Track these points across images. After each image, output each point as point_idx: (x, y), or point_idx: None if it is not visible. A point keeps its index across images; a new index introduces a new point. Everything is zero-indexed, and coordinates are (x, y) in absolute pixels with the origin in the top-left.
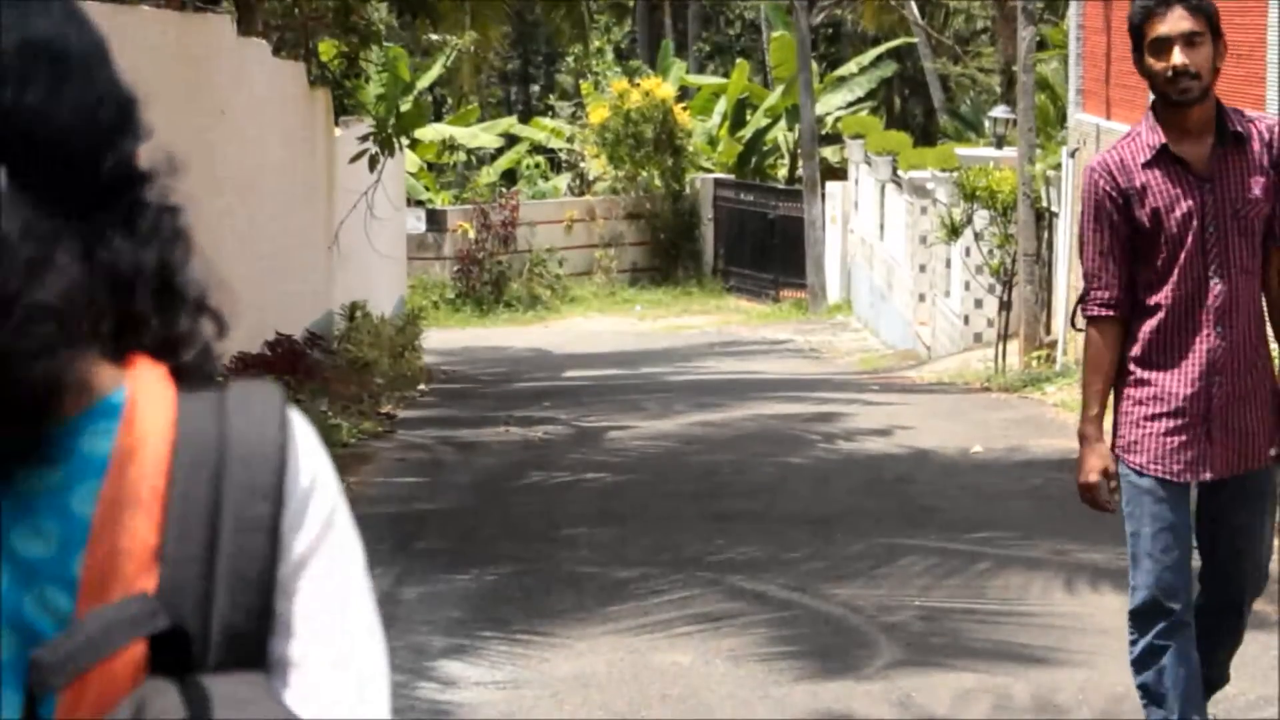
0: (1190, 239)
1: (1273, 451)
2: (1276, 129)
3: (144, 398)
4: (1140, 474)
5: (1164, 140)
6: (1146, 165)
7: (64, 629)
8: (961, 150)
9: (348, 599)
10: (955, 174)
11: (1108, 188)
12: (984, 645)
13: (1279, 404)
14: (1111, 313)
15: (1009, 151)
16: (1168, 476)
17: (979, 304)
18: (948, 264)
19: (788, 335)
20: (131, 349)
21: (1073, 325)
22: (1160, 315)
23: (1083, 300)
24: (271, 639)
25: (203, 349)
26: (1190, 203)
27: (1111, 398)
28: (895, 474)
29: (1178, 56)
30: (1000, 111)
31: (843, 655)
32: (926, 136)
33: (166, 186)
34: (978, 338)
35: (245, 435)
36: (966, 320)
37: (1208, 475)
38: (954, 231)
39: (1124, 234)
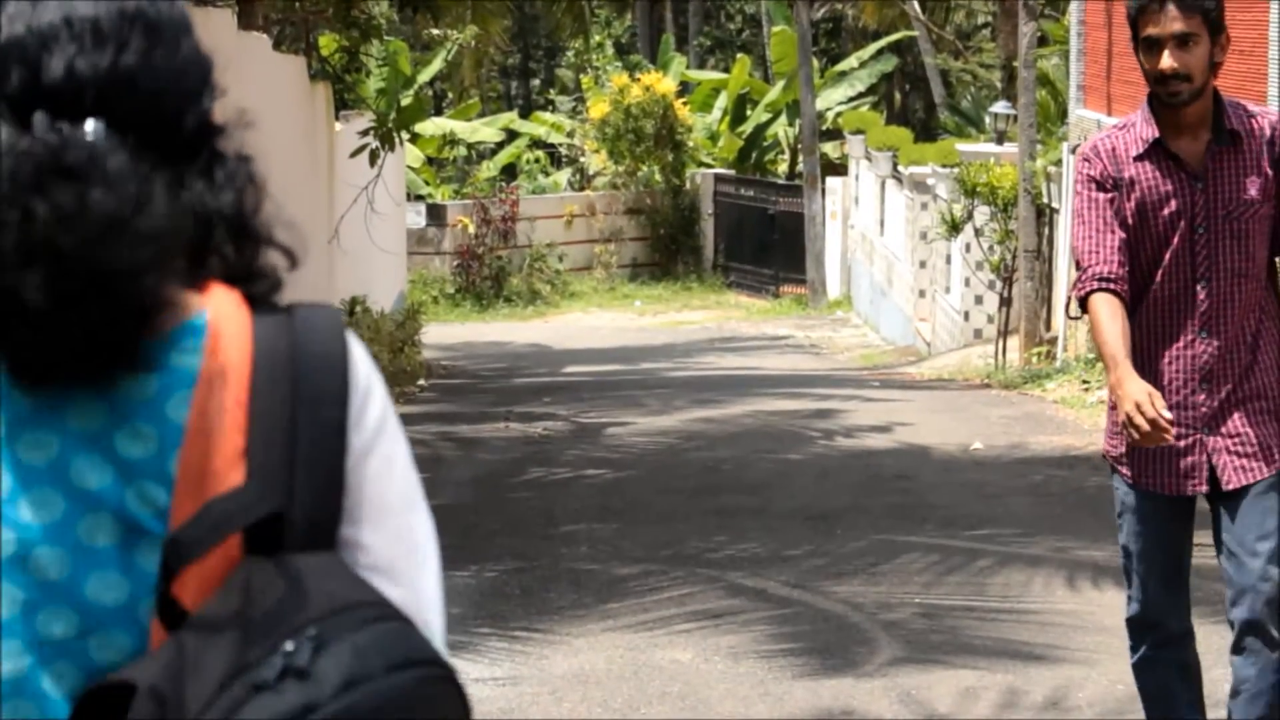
0: (1177, 239)
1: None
2: None
3: (224, 319)
4: (1130, 487)
5: (1158, 134)
6: (1138, 158)
7: (162, 519)
8: (962, 146)
9: (400, 486)
10: (956, 170)
11: (1096, 173)
12: (985, 643)
13: None
14: (1110, 286)
15: (1010, 147)
16: (1160, 489)
17: (979, 300)
18: (948, 260)
19: (788, 331)
20: (210, 278)
21: (1068, 314)
22: (1145, 317)
23: (1078, 284)
24: (340, 524)
25: (273, 279)
26: (1180, 201)
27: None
28: (895, 470)
29: (1166, 60)
30: (1001, 107)
31: (843, 652)
32: (927, 132)
33: (240, 139)
34: (978, 334)
35: (313, 351)
36: (967, 316)
37: (1203, 488)
38: (954, 227)
39: (1118, 213)
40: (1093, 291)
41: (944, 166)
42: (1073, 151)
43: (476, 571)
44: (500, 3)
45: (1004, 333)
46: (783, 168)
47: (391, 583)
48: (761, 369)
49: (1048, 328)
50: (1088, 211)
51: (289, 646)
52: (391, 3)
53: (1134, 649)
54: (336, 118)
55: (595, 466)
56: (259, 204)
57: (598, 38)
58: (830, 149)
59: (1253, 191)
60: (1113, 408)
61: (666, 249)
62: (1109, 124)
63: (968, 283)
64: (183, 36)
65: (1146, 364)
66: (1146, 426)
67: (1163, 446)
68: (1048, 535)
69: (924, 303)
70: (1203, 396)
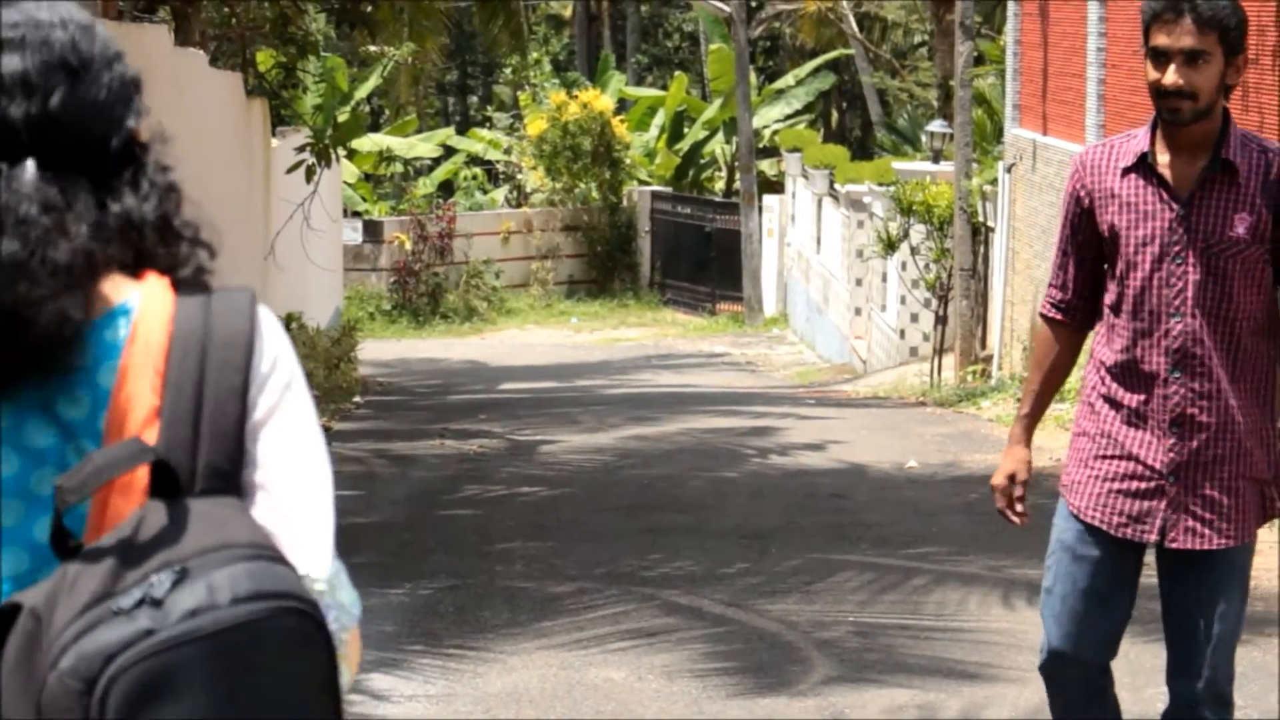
0: (1149, 264)
1: (1249, 532)
2: None
3: (150, 302)
4: (1072, 519)
5: (1147, 149)
6: (1125, 171)
7: None
8: (898, 164)
9: (301, 441)
10: (892, 188)
11: (1078, 185)
12: (918, 661)
13: (1272, 474)
14: (1060, 317)
15: (946, 166)
16: (1105, 527)
17: (915, 318)
18: (884, 278)
19: (724, 348)
20: (145, 269)
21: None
22: (1119, 346)
23: (1044, 299)
24: (244, 471)
25: (198, 268)
26: (1156, 224)
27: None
28: (831, 489)
29: (1171, 75)
30: (937, 126)
31: (777, 671)
32: (864, 150)
33: (160, 152)
34: (913, 352)
35: (223, 326)
36: (902, 334)
37: (1153, 536)
38: (890, 246)
39: (1087, 238)
40: (1046, 317)
41: (880, 185)
42: (1008, 170)
43: (410, 589)
44: (437, 20)
45: (939, 351)
46: (720, 185)
47: (286, 522)
48: (697, 386)
49: (983, 346)
50: (1060, 229)
51: (156, 578)
52: (329, 19)
53: (1050, 700)
54: (273, 134)
55: (530, 484)
56: (179, 207)
57: (535, 55)
58: (767, 166)
59: (1240, 229)
60: (1077, 434)
61: (603, 266)
62: (1044, 143)
63: (904, 301)
64: (105, 71)
65: (1121, 399)
66: (1000, 507)
67: (1120, 483)
68: (982, 554)
69: (860, 320)
70: (1172, 441)
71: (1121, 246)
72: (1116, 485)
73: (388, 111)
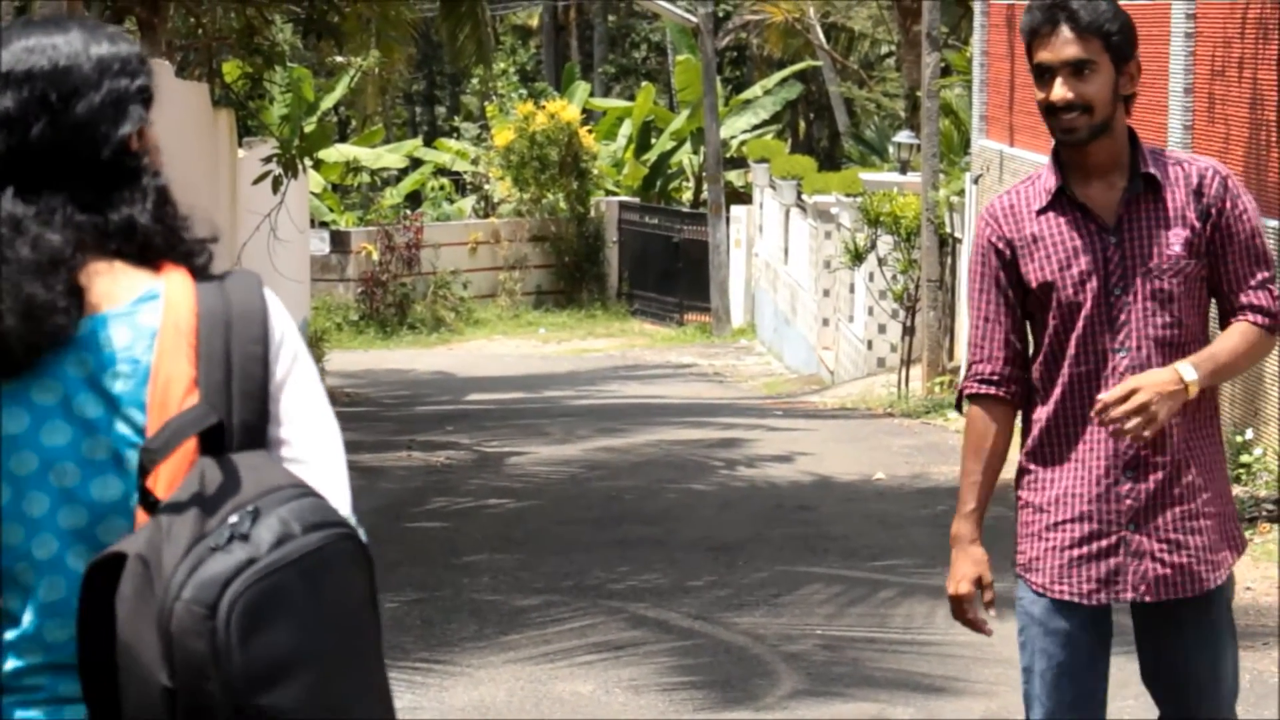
0: (1090, 302)
1: (1224, 571)
2: (1210, 173)
3: (174, 289)
4: (1038, 596)
5: (1061, 182)
6: (1041, 211)
7: (141, 434)
8: (866, 175)
9: (313, 400)
10: (859, 199)
11: (993, 238)
12: (885, 675)
13: (1231, 508)
14: (993, 390)
15: (913, 177)
16: (1075, 598)
17: (882, 329)
18: (851, 289)
19: (692, 359)
20: (162, 262)
21: (957, 409)
22: (1057, 397)
23: (964, 380)
24: (269, 428)
25: (203, 257)
26: (1090, 258)
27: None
28: (798, 501)
29: (1058, 90)
30: (904, 137)
31: (743, 685)
32: (831, 161)
33: (151, 158)
34: (881, 363)
35: (241, 304)
36: (870, 345)
37: (1129, 595)
38: (858, 257)
39: (1013, 296)
40: (974, 395)
41: (848, 195)
42: (975, 181)
43: None
44: (404, 30)
45: (907, 362)
46: (687, 196)
47: (308, 469)
48: (665, 398)
49: (950, 357)
50: (976, 293)
51: (234, 519)
52: (295, 29)
53: None
54: (239, 144)
55: (498, 496)
56: (173, 207)
57: (502, 65)
58: (735, 177)
59: (1176, 246)
60: (1022, 506)
61: (571, 277)
62: (1011, 154)
63: (871, 312)
64: (94, 92)
65: (1065, 452)
66: (961, 618)
67: (1080, 547)
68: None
69: (828, 331)
70: (1127, 487)
71: (1057, 292)
72: (1077, 552)
73: (354, 122)
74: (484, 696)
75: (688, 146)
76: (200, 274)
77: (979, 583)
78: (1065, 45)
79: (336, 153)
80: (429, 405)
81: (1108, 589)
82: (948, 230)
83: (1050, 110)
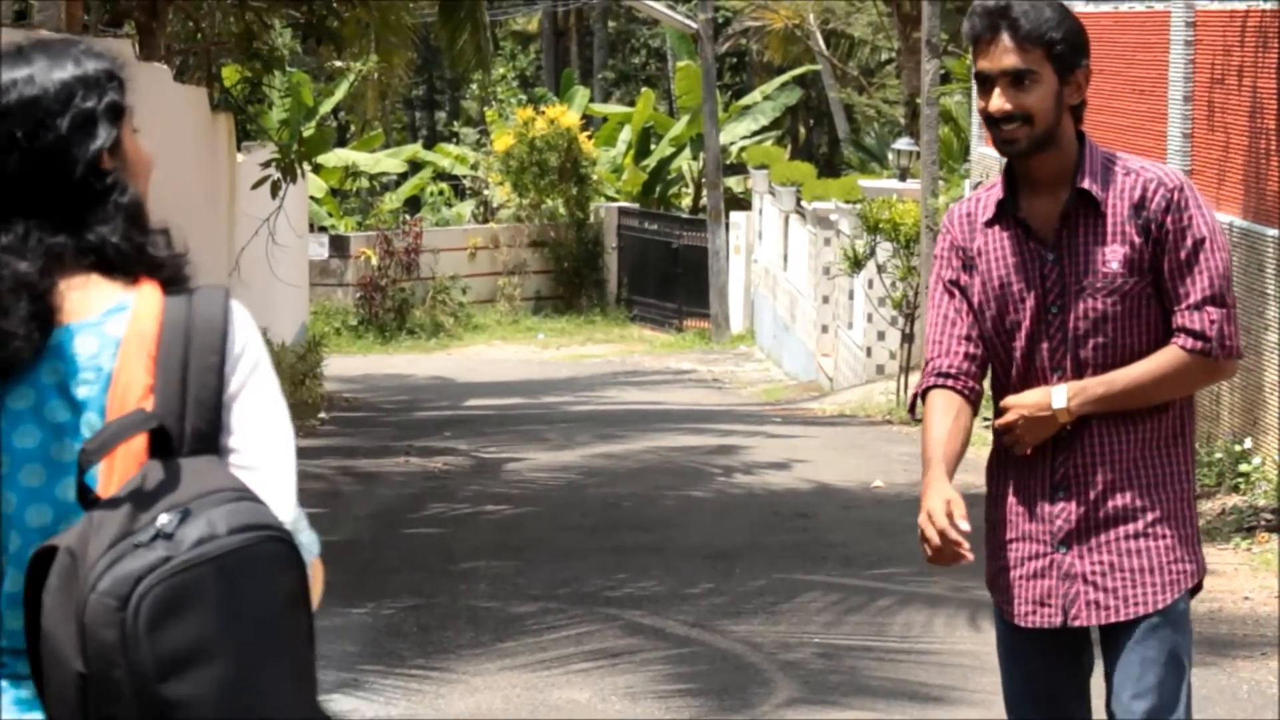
0: (1028, 320)
1: (1167, 596)
2: (1154, 185)
3: (142, 301)
4: (1002, 619)
5: (1008, 194)
6: (988, 224)
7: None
8: (865, 182)
9: (267, 411)
10: (859, 206)
11: (951, 241)
12: (882, 684)
13: (1186, 533)
14: (949, 383)
15: (912, 184)
16: (1019, 620)
17: (881, 336)
18: (851, 296)
19: (691, 365)
20: (140, 275)
21: (910, 411)
22: (1005, 417)
23: (920, 381)
24: (220, 436)
25: (180, 270)
26: (1028, 274)
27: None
28: (796, 508)
29: (995, 100)
30: (904, 144)
31: (740, 693)
32: (831, 167)
33: (120, 175)
34: (880, 370)
35: (202, 317)
36: (869, 352)
37: (1058, 619)
38: (857, 263)
39: (968, 298)
40: (930, 388)
41: (847, 202)
42: (974, 188)
43: (373, 609)
44: (404, 35)
45: (906, 369)
46: (687, 202)
47: (256, 475)
48: (664, 404)
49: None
50: (935, 295)
51: (164, 518)
52: (294, 34)
53: None
54: (238, 149)
55: (495, 502)
56: (144, 223)
57: (502, 70)
58: (734, 183)
59: (1114, 264)
60: (986, 521)
61: (570, 282)
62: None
63: (870, 318)
64: (59, 117)
65: (1009, 472)
66: (935, 539)
67: (1020, 567)
68: (948, 575)
69: (827, 338)
70: (1059, 506)
71: (998, 309)
72: (1017, 572)
73: (354, 127)
74: (480, 704)
75: (687, 152)
76: (171, 287)
77: (949, 503)
78: (1004, 54)
79: (336, 157)
80: (427, 411)
81: (1041, 611)
82: None
83: (991, 121)
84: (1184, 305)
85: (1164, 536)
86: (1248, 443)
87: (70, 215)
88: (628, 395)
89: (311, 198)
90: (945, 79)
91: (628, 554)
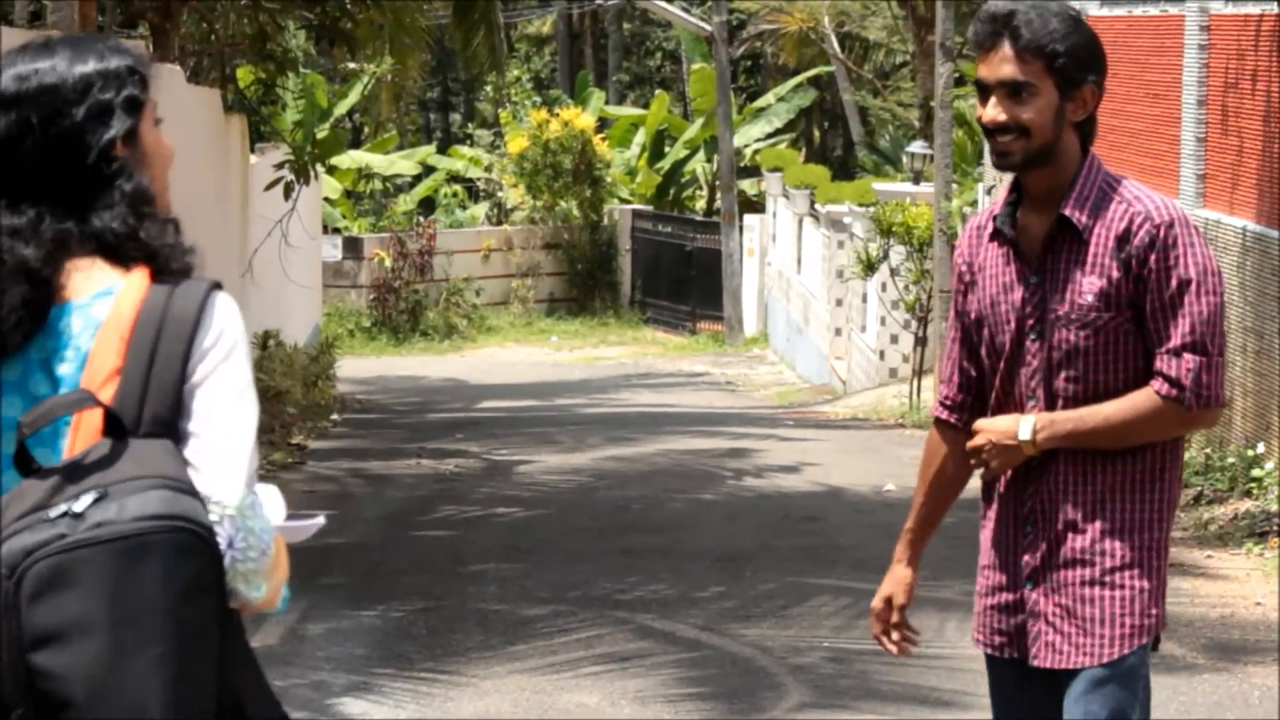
0: (1009, 344)
1: (1114, 650)
2: (1141, 219)
3: (128, 287)
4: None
5: (998, 211)
6: (990, 238)
7: (70, 413)
8: (879, 185)
9: (229, 400)
10: (872, 209)
11: (959, 259)
12: (893, 688)
13: (1149, 585)
14: (946, 416)
15: (926, 187)
16: (989, 649)
17: (894, 339)
18: (864, 299)
19: (704, 368)
20: (137, 262)
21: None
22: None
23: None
24: (180, 421)
25: (176, 260)
26: (1013, 297)
27: None
28: (807, 512)
29: (990, 110)
30: (918, 147)
31: (749, 697)
32: (845, 170)
33: (128, 165)
34: (893, 373)
35: (178, 307)
36: (882, 355)
37: (1015, 653)
38: (870, 267)
39: (967, 321)
40: (935, 419)
41: (861, 205)
42: (988, 192)
43: (383, 611)
44: (418, 37)
45: (919, 372)
46: (700, 204)
47: (210, 460)
48: (677, 406)
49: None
50: (949, 314)
51: (87, 497)
52: (308, 36)
53: None
54: (252, 150)
55: (506, 505)
56: (148, 214)
57: (516, 72)
58: (748, 186)
59: (1089, 296)
60: (979, 549)
61: (584, 284)
62: None
63: (883, 322)
64: (76, 106)
65: (993, 491)
66: (874, 634)
67: (991, 596)
68: (959, 579)
69: (840, 341)
70: (1027, 540)
71: (986, 329)
72: (991, 600)
73: (367, 128)
74: (489, 707)
75: (701, 155)
76: (162, 276)
77: (888, 601)
78: (1003, 64)
79: (349, 159)
80: (440, 412)
81: (1011, 645)
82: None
83: (987, 131)
84: (1163, 349)
85: (1122, 586)
86: (1260, 448)
87: (79, 201)
88: (640, 398)
89: (325, 199)
90: (959, 82)
91: (638, 557)
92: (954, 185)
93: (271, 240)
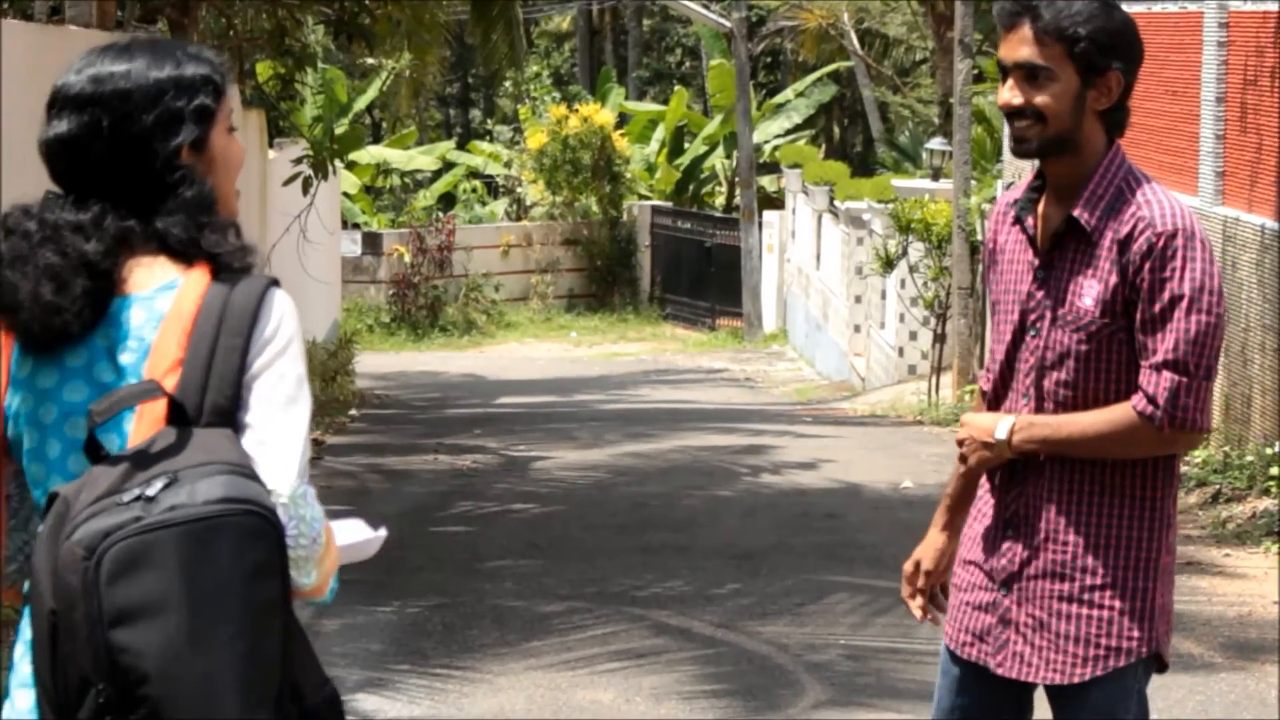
0: (1010, 336)
1: (1086, 670)
2: (1143, 226)
3: (189, 282)
4: (946, 646)
5: (1019, 195)
6: (1013, 221)
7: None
8: (898, 181)
9: (283, 392)
10: (891, 205)
11: (989, 235)
12: (910, 686)
13: (1133, 605)
14: (985, 385)
15: (945, 184)
16: (953, 645)
17: (913, 336)
18: (883, 295)
19: (723, 364)
20: (199, 261)
21: None
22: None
23: None
24: (238, 412)
25: (235, 259)
26: (1022, 288)
27: None
28: (824, 509)
29: (1005, 92)
30: (937, 143)
31: (766, 694)
32: (864, 167)
33: (194, 171)
34: (912, 370)
35: (238, 302)
36: (901, 352)
37: (990, 661)
38: (888, 263)
39: (992, 296)
40: (979, 388)
41: (880, 202)
42: (1007, 189)
43: (399, 607)
44: (437, 32)
45: (938, 369)
46: (720, 200)
47: (265, 449)
48: (695, 402)
49: (981, 365)
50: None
51: (159, 482)
52: (327, 31)
53: None
54: (270, 145)
55: (523, 501)
56: (209, 218)
57: (535, 68)
58: (768, 182)
59: (1087, 300)
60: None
61: (603, 280)
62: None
63: (902, 318)
64: (145, 114)
65: (981, 485)
66: (902, 596)
67: (967, 593)
68: None
69: (859, 338)
70: (1005, 544)
71: (997, 315)
72: (966, 597)
73: (386, 124)
74: (504, 704)
75: (721, 151)
76: (222, 272)
77: (918, 566)
78: (1021, 45)
79: (369, 154)
80: (458, 408)
81: (979, 645)
82: (979, 237)
83: (1005, 114)
84: (1146, 363)
85: (1101, 606)
86: (1278, 446)
87: (143, 202)
88: (659, 394)
89: (345, 195)
90: (979, 79)
91: (655, 554)
92: (973, 182)
93: (290, 236)
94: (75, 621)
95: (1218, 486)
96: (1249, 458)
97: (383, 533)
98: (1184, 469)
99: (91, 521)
